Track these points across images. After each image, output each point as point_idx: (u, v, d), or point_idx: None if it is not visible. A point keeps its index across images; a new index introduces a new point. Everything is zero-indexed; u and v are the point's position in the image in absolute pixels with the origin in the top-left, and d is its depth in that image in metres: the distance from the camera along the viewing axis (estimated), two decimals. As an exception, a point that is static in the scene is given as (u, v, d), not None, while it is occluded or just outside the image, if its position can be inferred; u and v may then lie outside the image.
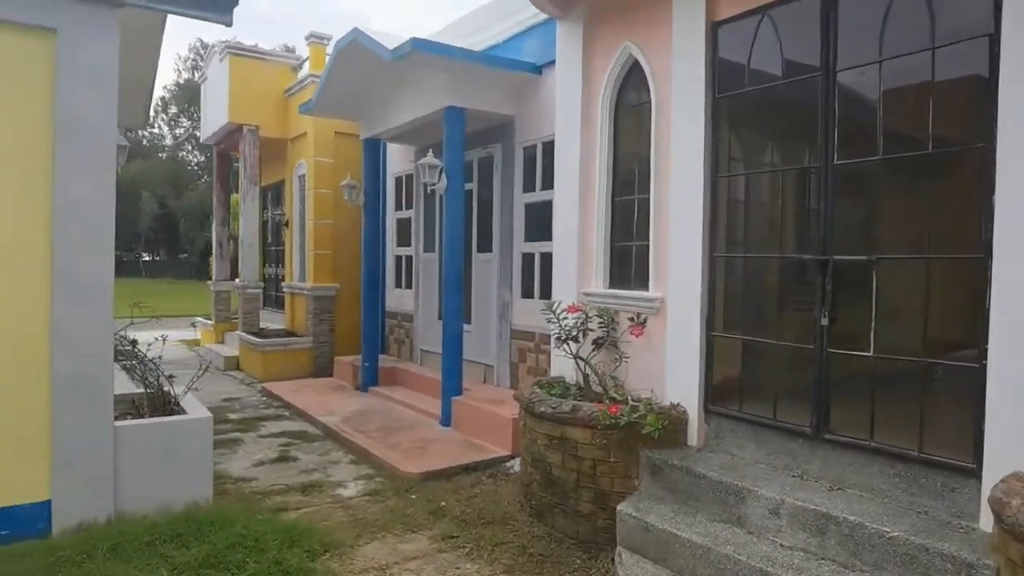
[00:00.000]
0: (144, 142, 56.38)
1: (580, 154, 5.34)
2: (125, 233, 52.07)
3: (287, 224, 11.88)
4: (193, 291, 32.17)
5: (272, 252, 13.13)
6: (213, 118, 11.86)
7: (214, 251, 13.22)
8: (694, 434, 4.40)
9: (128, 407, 5.41)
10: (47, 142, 4.30)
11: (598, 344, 5.07)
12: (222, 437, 6.94)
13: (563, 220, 5.56)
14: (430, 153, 7.21)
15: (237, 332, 11.46)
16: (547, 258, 6.85)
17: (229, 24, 4.76)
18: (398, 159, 9.82)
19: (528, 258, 7.36)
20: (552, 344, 5.26)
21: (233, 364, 11.33)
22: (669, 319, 4.62)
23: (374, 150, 8.94)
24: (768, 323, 4.32)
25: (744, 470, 3.93)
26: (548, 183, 6.95)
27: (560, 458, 4.49)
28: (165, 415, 5.17)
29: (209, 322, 13.49)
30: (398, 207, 9.93)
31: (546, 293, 6.89)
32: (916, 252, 3.53)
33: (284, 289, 11.79)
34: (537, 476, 4.69)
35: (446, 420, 7.06)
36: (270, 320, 12.79)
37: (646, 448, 4.27)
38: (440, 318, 8.29)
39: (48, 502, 4.33)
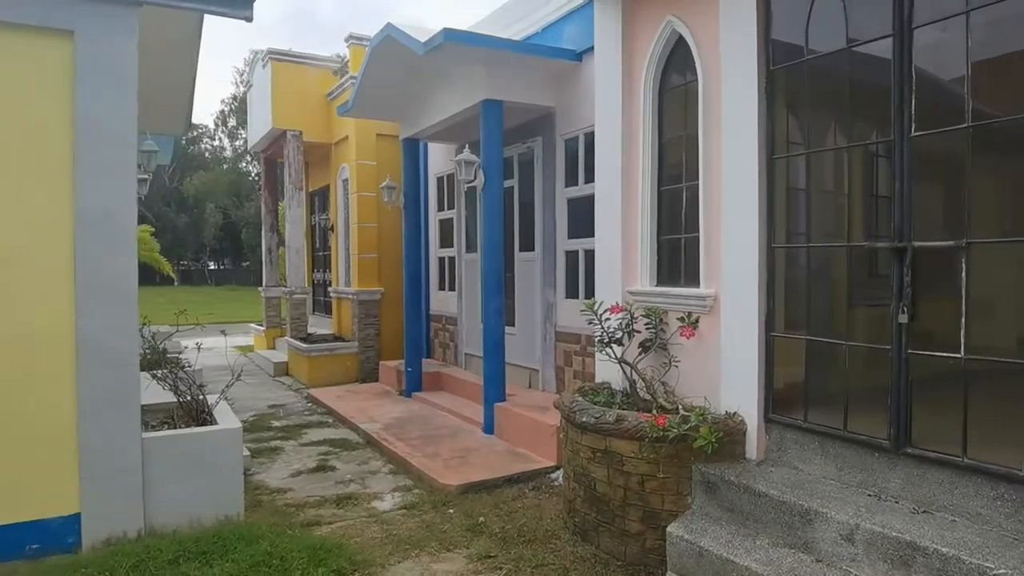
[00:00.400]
0: (207, 155, 58.53)
1: (622, 141, 4.96)
2: (192, 243, 54.17)
3: (332, 229, 11.83)
4: (254, 297, 32.89)
5: (320, 257, 13.13)
6: (259, 125, 11.92)
7: (264, 257, 13.31)
8: (753, 446, 3.96)
9: (165, 416, 5.32)
10: (67, 144, 4.19)
11: (645, 347, 4.67)
12: (263, 446, 6.83)
13: (605, 213, 5.18)
14: (466, 149, 6.92)
15: (285, 338, 11.45)
16: (592, 255, 6.46)
17: (249, 19, 4.58)
18: (440, 159, 9.59)
19: (572, 256, 6.99)
20: (595, 348, 4.88)
21: (282, 370, 11.34)
22: (723, 318, 4.19)
23: (413, 150, 8.73)
24: (836, 321, 3.85)
25: (811, 488, 3.47)
26: (591, 176, 6.56)
27: (605, 473, 4.12)
28: (198, 425, 5.04)
29: (262, 328, 13.59)
30: (440, 207, 9.71)
31: (591, 292, 6.49)
32: (1015, 235, 3.02)
33: (331, 294, 11.74)
34: (580, 492, 4.33)
35: (489, 427, 6.76)
36: (319, 325, 12.79)
37: (699, 462, 3.86)
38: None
39: (77, 515, 4.22)
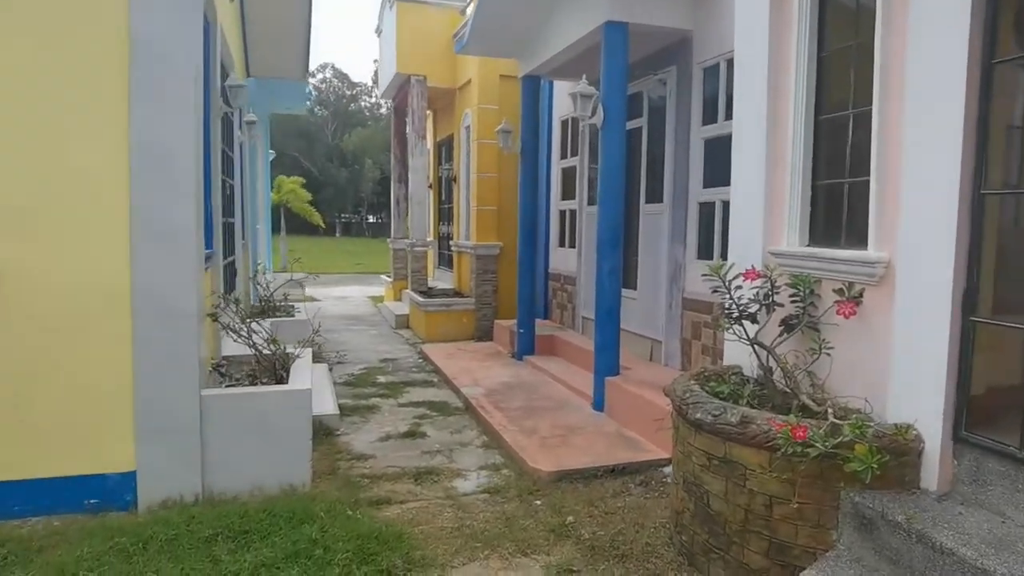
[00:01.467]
0: (365, 112, 61.06)
1: (768, 55, 3.82)
2: (351, 197, 57.11)
3: (455, 180, 11.34)
4: (397, 249, 33.73)
5: (445, 210, 12.76)
6: (386, 71, 11.58)
7: (392, 209, 13.17)
8: (933, 474, 2.85)
9: (251, 370, 5.02)
10: (122, 70, 3.80)
11: (788, 326, 3.61)
12: (361, 403, 6.50)
13: (743, 152, 4.09)
14: (584, 80, 5.96)
15: (407, 290, 11.23)
16: (726, 208, 5.38)
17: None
18: (566, 99, 8.65)
19: (707, 209, 5.89)
20: (722, 323, 3.87)
21: (403, 322, 11.16)
22: (899, 293, 3.05)
23: (533, 89, 7.87)
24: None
25: (1028, 549, 2.36)
26: (727, 111, 5.42)
27: (722, 486, 3.19)
28: (276, 383, 4.68)
29: (390, 279, 13.56)
30: (563, 155, 8.82)
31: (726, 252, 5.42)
32: None
33: (452, 248, 11.32)
34: (690, 504, 3.43)
35: (599, 403, 5.95)
36: (442, 279, 12.50)
37: (851, 488, 2.83)
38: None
39: (133, 473, 4.00)
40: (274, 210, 24.89)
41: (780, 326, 3.64)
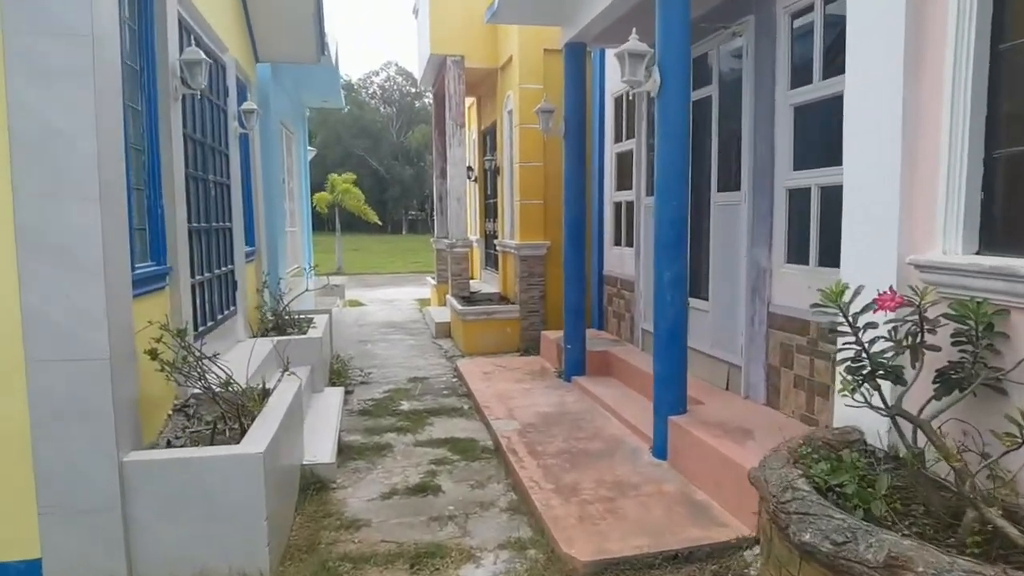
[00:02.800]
0: (428, 108, 60.65)
1: (913, -44, 2.47)
2: (416, 194, 56.95)
3: (499, 171, 10.17)
4: (456, 246, 33.01)
5: (490, 205, 11.61)
6: (422, 55, 10.52)
7: (435, 206, 12.14)
8: None
9: (226, 409, 4.01)
10: (-14, 35, 2.82)
11: (950, 381, 2.28)
12: (373, 440, 5.45)
13: (863, 115, 2.76)
14: (633, 35, 4.67)
15: (447, 296, 10.17)
16: (834, 195, 4.04)
17: None
18: (616, 73, 7.34)
19: (800, 197, 4.52)
20: (837, 374, 2.56)
21: (444, 331, 10.11)
22: None
23: (577, 59, 6.60)
24: None
25: None
26: (834, 66, 4.04)
27: (850, 659, 1.91)
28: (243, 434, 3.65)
29: (435, 282, 12.56)
30: (618, 137, 7.52)
31: (830, 253, 4.08)
32: None
33: (496, 247, 10.17)
34: (793, 669, 2.16)
35: (659, 449, 4.68)
36: (489, 282, 11.38)
37: None
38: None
39: (38, 562, 3.05)
40: (329, 209, 24.46)
41: (935, 382, 2.32)
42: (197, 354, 3.77)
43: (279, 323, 7.07)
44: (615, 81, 7.43)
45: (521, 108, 8.53)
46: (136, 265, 3.66)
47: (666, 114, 4.51)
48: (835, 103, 3.96)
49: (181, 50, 4.33)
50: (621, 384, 6.42)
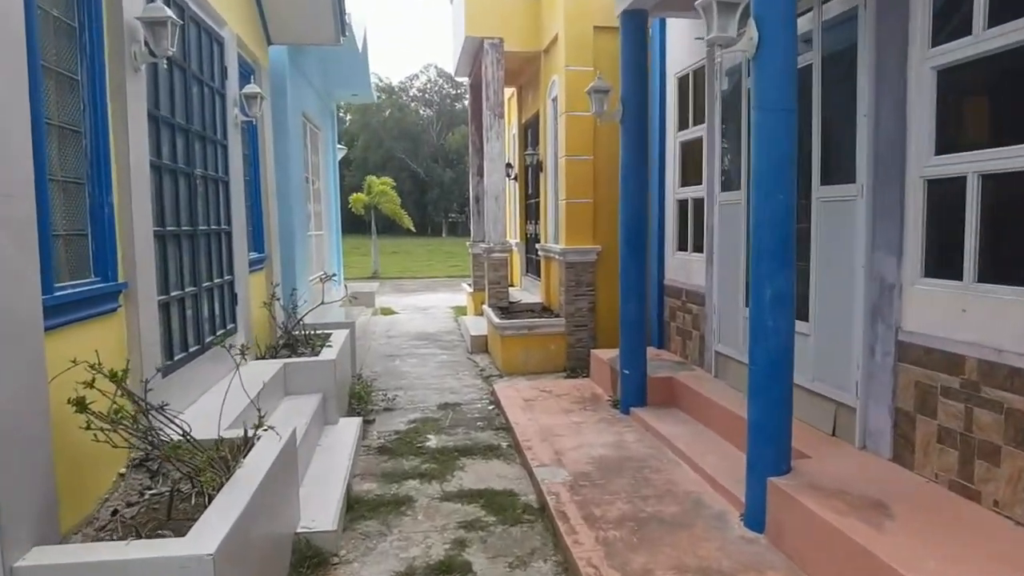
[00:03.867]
0: (468, 107, 59.88)
1: None
2: (457, 197, 56.32)
3: (541, 167, 9.14)
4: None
5: (532, 205, 10.59)
6: (457, 40, 9.56)
7: (471, 207, 11.19)
8: None
9: (200, 462, 3.07)
10: None
11: None
12: (391, 492, 4.48)
13: None
14: (721, -22, 3.58)
15: (484, 306, 9.18)
16: (1008, 185, 2.92)
17: None
18: (684, 46, 6.26)
19: (946, 188, 3.38)
20: None
21: (481, 345, 9.12)
22: None
23: (637, 30, 5.52)
24: None
25: None
26: (1011, 7, 2.91)
27: None
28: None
29: (471, 289, 11.58)
30: (682, 124, 6.42)
31: (1002, 265, 2.96)
32: None
33: (539, 251, 9.13)
34: None
35: (754, 519, 3.59)
36: (532, 289, 10.36)
37: None
38: (747, 306, 4.76)
39: None
40: (365, 211, 23.78)
41: None
42: (142, 405, 2.83)
43: (291, 340, 6.18)
44: (678, 58, 6.34)
45: (568, 94, 7.49)
46: (61, 284, 2.75)
47: (766, 81, 3.42)
48: (1011, 59, 2.86)
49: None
50: (691, 419, 5.33)
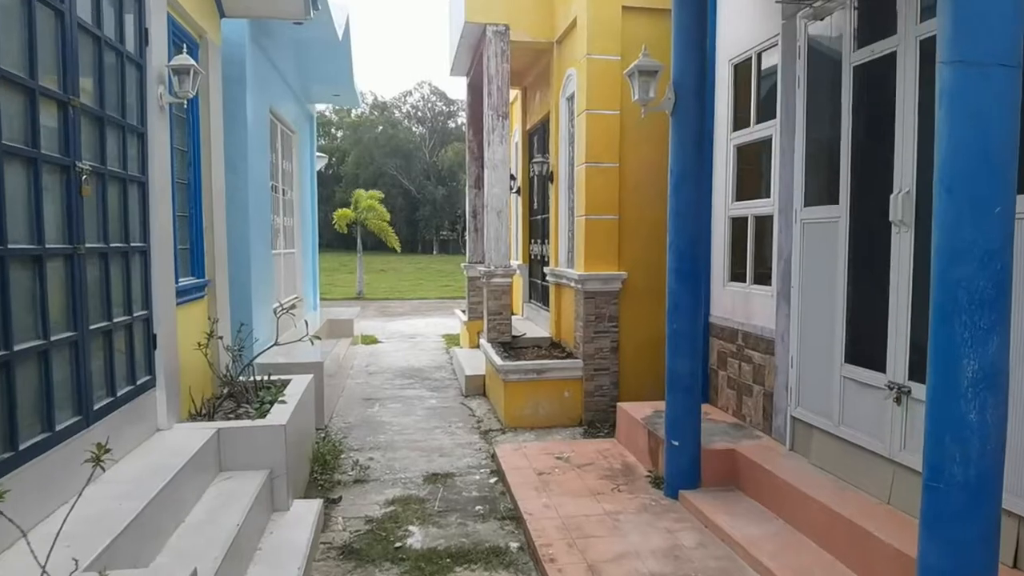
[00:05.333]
0: (462, 127, 58.89)
1: None
2: (448, 214, 55.24)
3: (552, 177, 7.81)
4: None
5: (537, 222, 9.25)
6: (454, 31, 8.27)
7: (467, 222, 9.84)
8: None
9: None
10: None
11: None
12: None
13: None
14: None
15: (482, 339, 7.78)
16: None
17: None
18: (742, 25, 4.96)
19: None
20: None
21: (477, 387, 7.72)
22: None
23: (698, 3, 4.20)
24: None
25: None
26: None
27: None
28: None
29: (465, 316, 10.18)
30: (739, 123, 5.10)
31: None
32: None
33: (547, 277, 7.76)
34: None
35: None
36: (536, 320, 8.98)
37: None
38: (856, 364, 3.46)
39: None
40: (349, 228, 22.39)
41: None
42: None
43: (236, 390, 4.77)
44: (736, 39, 5.04)
45: (589, 88, 6.17)
46: None
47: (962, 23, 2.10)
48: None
49: None
50: (764, 511, 3.94)
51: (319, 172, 12.12)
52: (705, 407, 5.37)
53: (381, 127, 55.32)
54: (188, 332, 4.56)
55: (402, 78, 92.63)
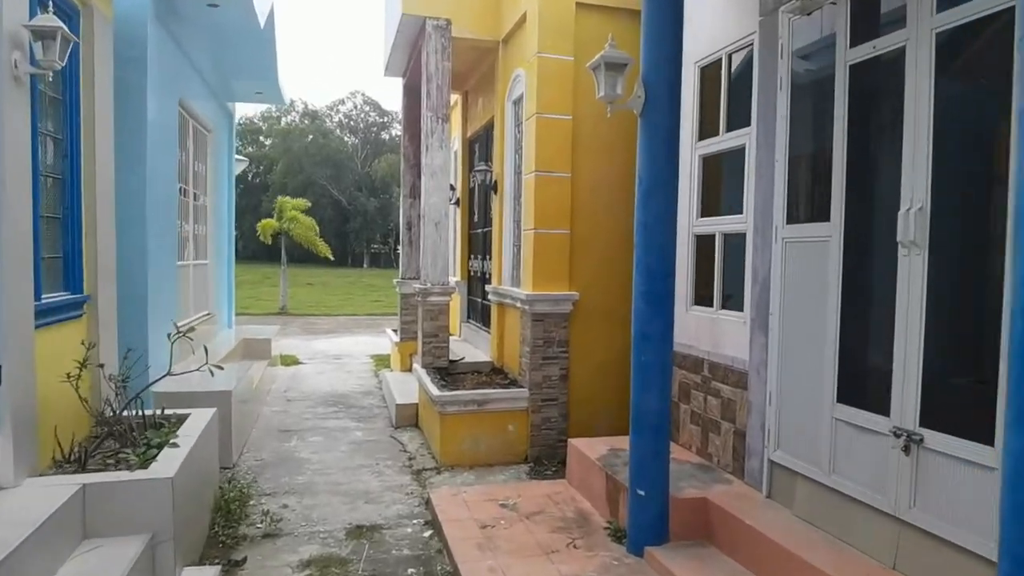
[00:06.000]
0: (396, 138, 57.86)
1: None
2: (380, 227, 53.96)
3: (495, 188, 7.23)
4: (422, 284, 29.92)
5: (478, 236, 8.64)
6: (390, 24, 7.61)
7: (401, 235, 9.15)
8: None
9: None
10: None
11: None
12: None
13: None
14: None
15: (416, 364, 7.08)
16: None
17: None
18: (713, 24, 4.53)
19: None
20: None
21: (409, 417, 7.00)
22: None
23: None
24: None
25: None
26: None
27: None
28: None
29: (397, 336, 9.42)
30: (705, 132, 4.65)
31: None
32: None
33: (489, 296, 7.15)
34: None
35: None
36: (475, 341, 8.34)
37: None
38: (851, 404, 2.99)
39: None
40: (273, 239, 21.19)
41: None
42: None
43: (119, 430, 3.93)
44: (707, 38, 4.60)
45: (541, 89, 5.63)
46: None
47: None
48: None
49: None
50: (744, 571, 3.42)
51: (242, 178, 11.17)
52: (675, 449, 4.86)
53: (311, 136, 53.74)
54: (55, 360, 3.70)
55: (334, 87, 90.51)
